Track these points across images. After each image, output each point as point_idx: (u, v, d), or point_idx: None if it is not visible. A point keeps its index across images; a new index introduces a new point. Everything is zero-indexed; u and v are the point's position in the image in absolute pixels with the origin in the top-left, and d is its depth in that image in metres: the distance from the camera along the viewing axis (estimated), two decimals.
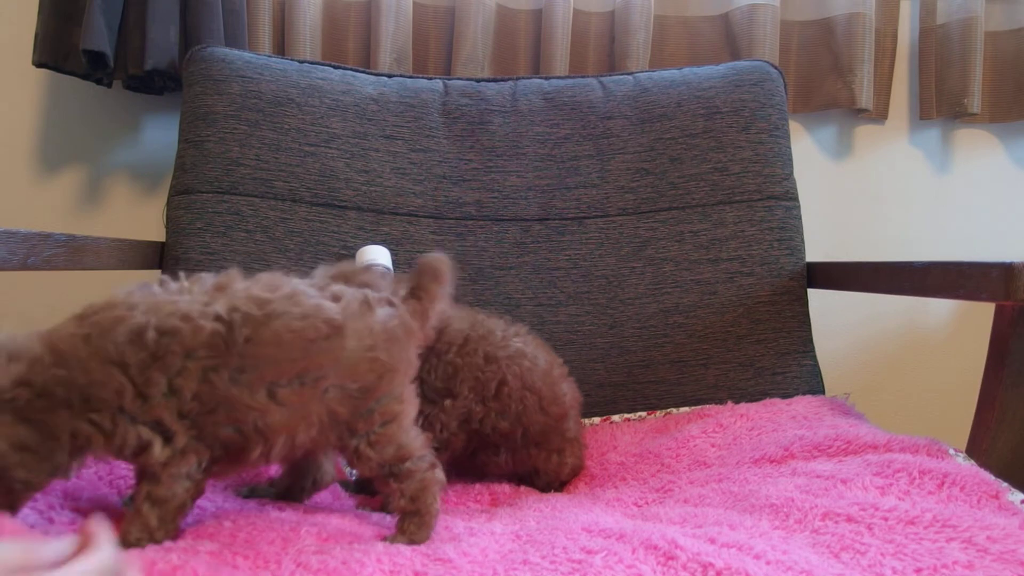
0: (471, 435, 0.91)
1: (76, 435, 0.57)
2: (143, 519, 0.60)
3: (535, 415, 0.92)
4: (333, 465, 0.79)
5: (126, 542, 0.59)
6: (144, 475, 0.61)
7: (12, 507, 0.58)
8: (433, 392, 0.88)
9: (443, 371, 0.88)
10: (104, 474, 0.75)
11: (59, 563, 0.42)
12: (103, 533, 0.43)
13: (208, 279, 0.64)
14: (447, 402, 0.88)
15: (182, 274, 0.65)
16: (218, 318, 0.60)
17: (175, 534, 0.62)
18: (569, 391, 0.97)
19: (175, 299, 0.61)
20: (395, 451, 0.66)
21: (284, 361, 0.61)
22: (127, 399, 0.58)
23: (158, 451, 0.59)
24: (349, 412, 0.64)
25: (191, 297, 0.62)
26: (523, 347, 0.93)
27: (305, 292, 0.64)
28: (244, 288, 0.63)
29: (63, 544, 0.43)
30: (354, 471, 0.90)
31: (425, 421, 0.86)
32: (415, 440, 0.67)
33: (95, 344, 0.59)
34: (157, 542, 0.60)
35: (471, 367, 0.89)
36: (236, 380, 0.60)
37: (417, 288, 0.72)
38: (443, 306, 0.73)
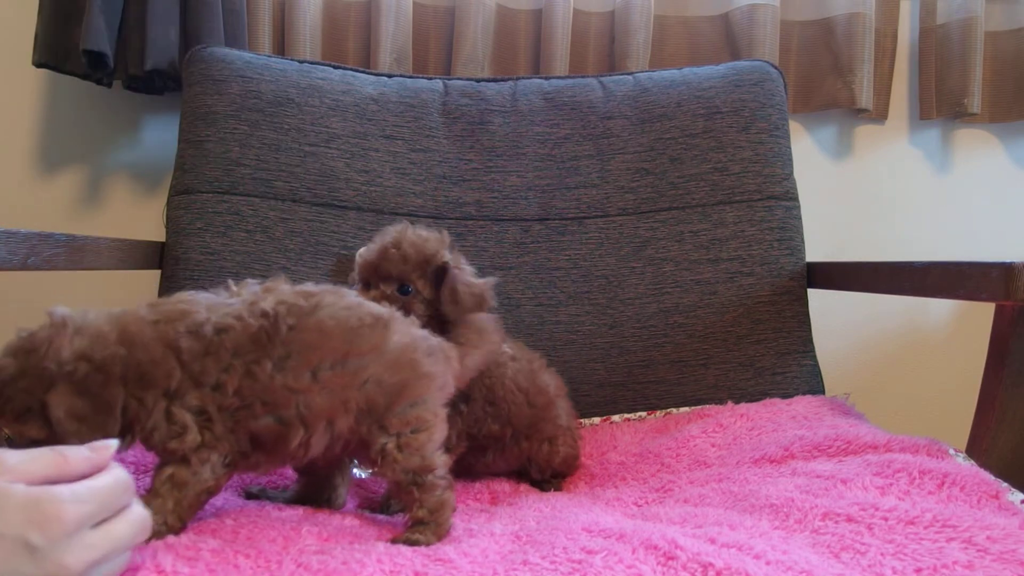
0: (468, 439, 0.92)
1: (125, 410, 0.60)
2: (160, 500, 0.62)
3: (522, 410, 0.94)
4: (347, 489, 0.79)
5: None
6: (170, 459, 0.63)
7: None
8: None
9: None
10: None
11: (84, 475, 0.48)
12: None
13: (255, 284, 0.69)
14: (463, 407, 0.90)
15: (230, 281, 0.70)
16: (264, 314, 0.65)
17: (183, 525, 0.63)
18: (552, 380, 0.99)
19: (230, 301, 0.67)
20: (420, 461, 0.68)
21: (327, 346, 0.65)
22: (174, 382, 0.62)
23: (192, 436, 0.62)
24: (385, 406, 0.67)
25: (241, 299, 0.67)
26: (507, 349, 0.95)
27: (350, 293, 0.71)
28: (291, 287, 0.69)
29: (85, 453, 0.49)
30: (362, 472, 0.90)
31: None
32: (439, 457, 0.69)
33: (160, 329, 0.63)
34: (168, 526, 0.61)
35: (480, 373, 0.91)
36: (280, 367, 0.64)
37: (460, 337, 0.80)
38: (479, 361, 0.80)
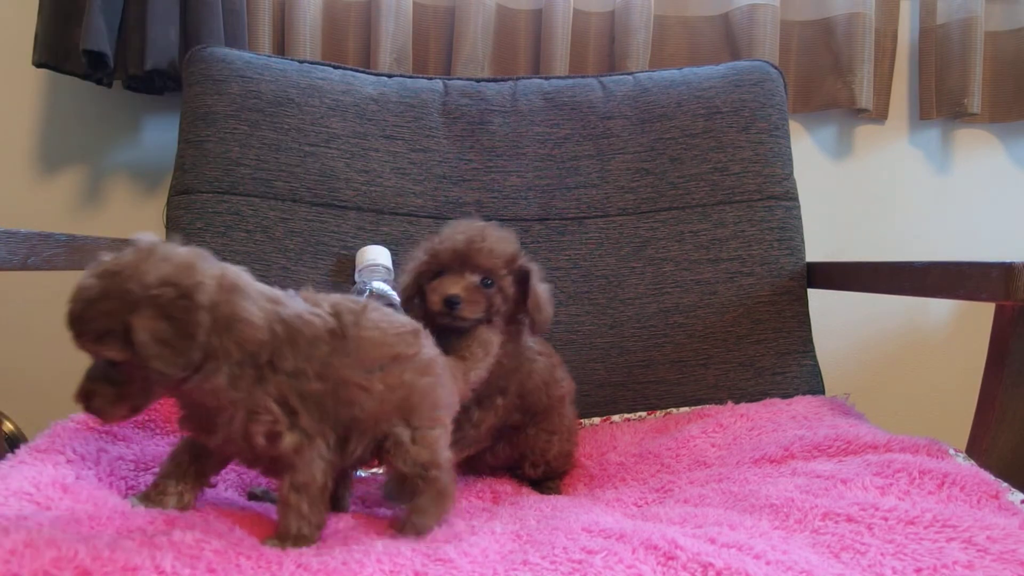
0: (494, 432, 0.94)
1: (207, 345, 0.60)
2: (295, 509, 0.64)
3: (541, 400, 0.96)
4: (351, 493, 0.80)
5: (288, 535, 0.64)
6: (281, 468, 0.65)
7: (139, 406, 0.63)
8: (486, 389, 0.88)
9: (497, 369, 0.88)
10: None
11: None
12: None
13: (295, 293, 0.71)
14: (499, 400, 0.91)
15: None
16: (333, 313, 0.68)
17: (325, 516, 0.66)
18: (565, 377, 1.01)
19: (294, 302, 0.68)
20: (429, 456, 0.71)
21: (379, 348, 0.70)
22: (257, 348, 0.62)
23: (288, 441, 0.63)
24: (412, 408, 0.71)
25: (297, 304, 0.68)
26: (533, 344, 0.97)
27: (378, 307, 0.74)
28: (328, 298, 0.71)
29: None
30: (362, 472, 0.90)
31: (468, 419, 0.89)
32: (445, 454, 0.73)
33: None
34: (314, 527, 0.65)
35: (515, 368, 0.93)
36: (349, 364, 0.67)
37: (464, 350, 0.83)
38: (482, 375, 0.83)
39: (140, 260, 0.60)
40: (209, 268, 0.62)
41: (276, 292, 0.67)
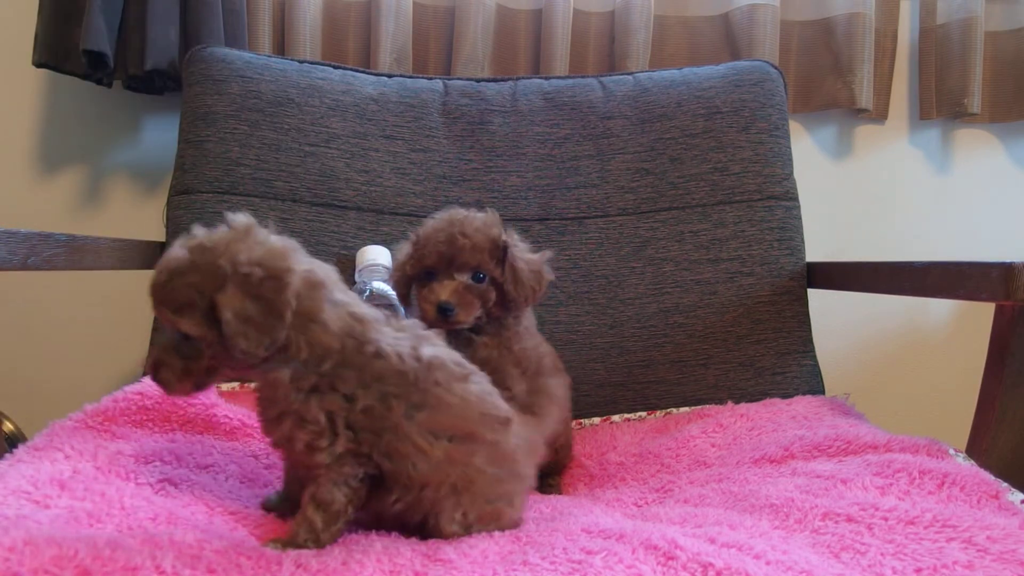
0: None
1: (284, 341, 0.60)
2: (309, 522, 0.63)
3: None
4: None
5: (294, 543, 0.63)
6: (309, 479, 0.65)
7: (203, 384, 0.64)
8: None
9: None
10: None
11: None
12: None
13: (418, 327, 0.70)
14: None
15: (400, 310, 0.74)
16: (419, 359, 0.65)
17: (338, 537, 0.64)
18: (563, 368, 1.00)
19: (397, 335, 0.67)
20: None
21: (459, 419, 0.66)
22: (323, 356, 0.62)
23: (321, 457, 0.63)
24: (475, 494, 0.67)
25: (405, 335, 0.67)
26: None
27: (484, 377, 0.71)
28: (448, 349, 0.69)
29: None
30: None
31: None
32: None
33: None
34: (321, 545, 0.63)
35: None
36: (410, 415, 0.64)
37: (535, 406, 0.83)
38: (552, 425, 0.85)
39: (233, 239, 0.61)
40: (300, 260, 0.63)
41: (365, 310, 0.66)
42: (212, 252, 0.60)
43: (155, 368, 0.62)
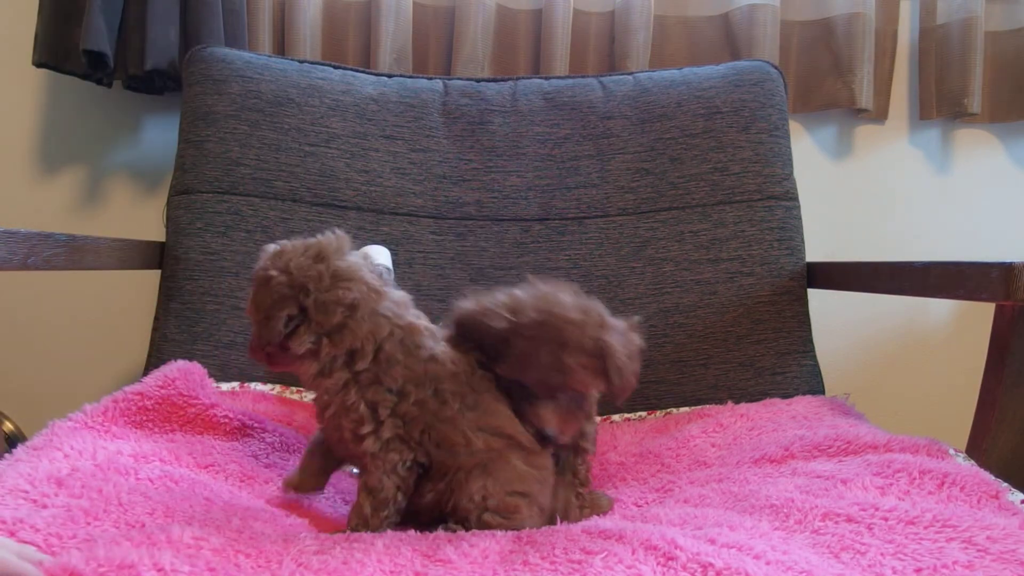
0: None
1: (302, 318, 0.70)
2: (359, 508, 0.70)
3: None
4: None
5: (350, 527, 0.70)
6: (361, 468, 0.72)
7: (277, 360, 0.72)
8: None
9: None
10: None
11: None
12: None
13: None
14: None
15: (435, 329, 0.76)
16: (468, 363, 0.73)
17: (390, 524, 0.70)
18: None
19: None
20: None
21: (504, 423, 0.72)
22: (358, 348, 0.70)
23: (368, 444, 0.69)
24: (503, 477, 0.72)
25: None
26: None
27: None
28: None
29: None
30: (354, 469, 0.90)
31: None
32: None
33: (383, 318, 0.72)
34: (372, 530, 0.68)
35: None
36: (463, 412, 0.71)
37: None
38: None
39: (289, 249, 0.71)
40: (368, 274, 0.72)
41: (420, 321, 0.74)
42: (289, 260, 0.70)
43: (253, 351, 0.73)
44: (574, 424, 0.76)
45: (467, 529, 0.69)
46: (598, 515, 0.77)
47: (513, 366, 0.72)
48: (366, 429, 0.69)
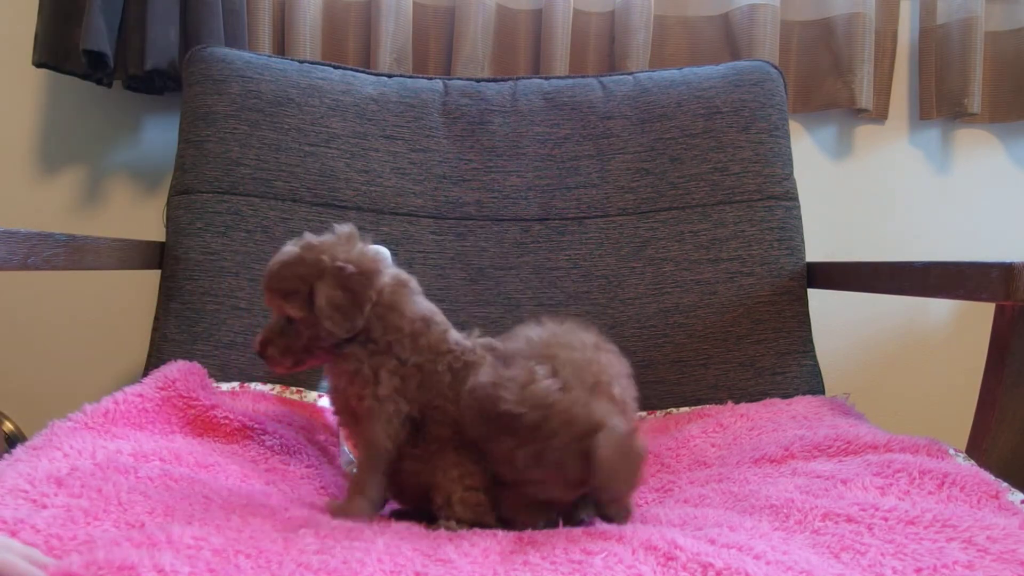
0: None
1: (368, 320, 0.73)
2: (359, 473, 0.73)
3: None
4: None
5: (348, 495, 0.73)
6: (356, 423, 0.74)
7: (301, 361, 0.75)
8: None
9: None
10: None
11: None
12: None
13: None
14: None
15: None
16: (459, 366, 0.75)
17: (383, 487, 0.72)
18: None
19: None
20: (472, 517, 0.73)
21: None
22: (396, 346, 0.73)
23: (370, 399, 0.71)
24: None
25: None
26: None
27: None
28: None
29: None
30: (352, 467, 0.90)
31: None
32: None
33: (422, 326, 0.75)
34: (367, 500, 0.71)
35: None
36: (454, 385, 0.73)
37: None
38: None
39: (336, 242, 0.74)
40: (388, 266, 0.76)
41: (439, 316, 0.76)
42: (316, 249, 0.72)
43: (262, 345, 0.75)
44: (535, 517, 0.70)
45: (454, 514, 0.70)
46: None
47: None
48: (368, 390, 0.72)
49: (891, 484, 0.75)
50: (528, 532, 0.68)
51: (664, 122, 1.27)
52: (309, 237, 0.74)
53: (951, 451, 0.84)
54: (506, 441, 0.66)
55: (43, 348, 1.47)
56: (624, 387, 0.71)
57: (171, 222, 1.21)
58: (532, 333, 0.71)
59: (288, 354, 0.74)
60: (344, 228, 0.75)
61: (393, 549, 0.61)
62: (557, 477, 0.66)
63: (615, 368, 0.71)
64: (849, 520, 0.67)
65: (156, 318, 1.18)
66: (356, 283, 0.72)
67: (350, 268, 0.72)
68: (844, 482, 0.76)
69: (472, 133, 1.27)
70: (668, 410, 1.16)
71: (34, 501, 0.63)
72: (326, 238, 0.74)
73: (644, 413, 1.16)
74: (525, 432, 0.65)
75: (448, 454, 0.72)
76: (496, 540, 0.66)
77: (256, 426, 0.91)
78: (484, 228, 1.24)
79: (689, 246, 1.23)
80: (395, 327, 0.73)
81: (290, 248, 0.74)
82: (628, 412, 0.70)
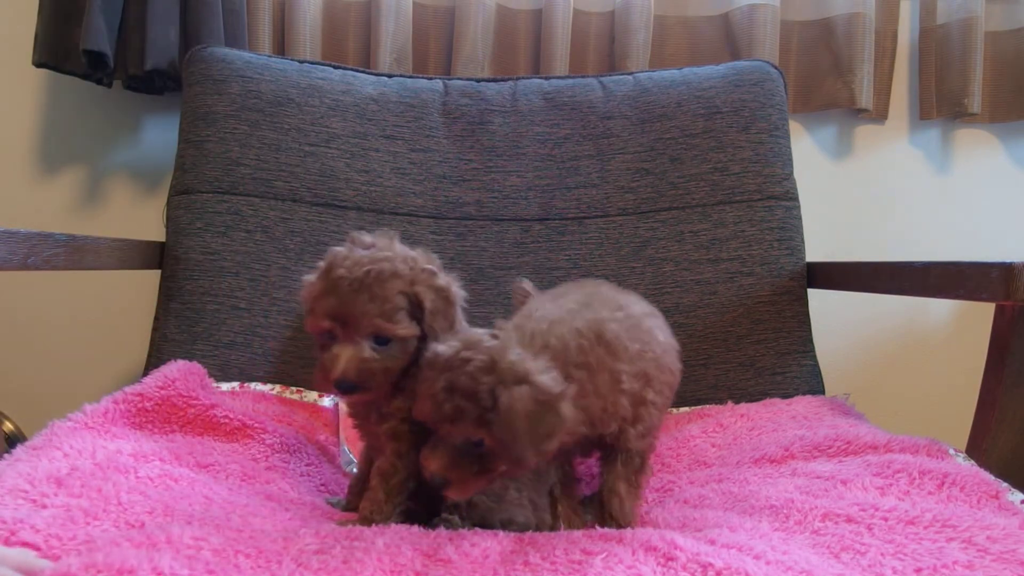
0: None
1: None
2: (374, 493, 0.71)
3: None
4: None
5: (363, 519, 0.70)
6: (376, 453, 0.74)
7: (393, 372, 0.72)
8: None
9: None
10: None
11: None
12: None
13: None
14: None
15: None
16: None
17: (400, 507, 0.71)
18: None
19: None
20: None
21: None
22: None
23: (393, 421, 0.70)
24: None
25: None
26: None
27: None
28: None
29: None
30: (352, 466, 0.90)
31: None
32: None
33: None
34: (385, 516, 0.70)
35: None
36: None
37: None
38: None
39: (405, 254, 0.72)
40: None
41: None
42: (404, 262, 0.70)
43: (358, 376, 0.69)
44: (466, 481, 0.66)
45: (460, 515, 0.70)
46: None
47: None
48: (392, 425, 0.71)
49: (891, 484, 0.75)
50: (528, 533, 0.68)
51: (664, 122, 1.27)
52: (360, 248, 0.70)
53: (951, 451, 0.84)
54: (431, 374, 0.65)
55: (43, 348, 1.47)
56: (638, 375, 0.71)
57: (171, 222, 1.21)
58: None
59: (386, 377, 0.71)
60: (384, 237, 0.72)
61: (393, 549, 0.61)
62: (466, 412, 0.63)
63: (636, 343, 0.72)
64: (849, 520, 0.67)
65: (156, 318, 1.18)
66: (445, 291, 0.72)
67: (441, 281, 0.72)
68: (844, 482, 0.76)
69: (472, 133, 1.27)
70: (668, 410, 1.16)
71: (34, 501, 0.63)
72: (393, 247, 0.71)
73: None
74: (449, 365, 0.65)
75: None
76: (496, 541, 0.66)
77: (256, 425, 0.91)
78: (484, 228, 1.24)
79: (689, 246, 1.23)
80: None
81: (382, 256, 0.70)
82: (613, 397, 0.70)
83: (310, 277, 0.74)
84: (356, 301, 0.68)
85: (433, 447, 0.66)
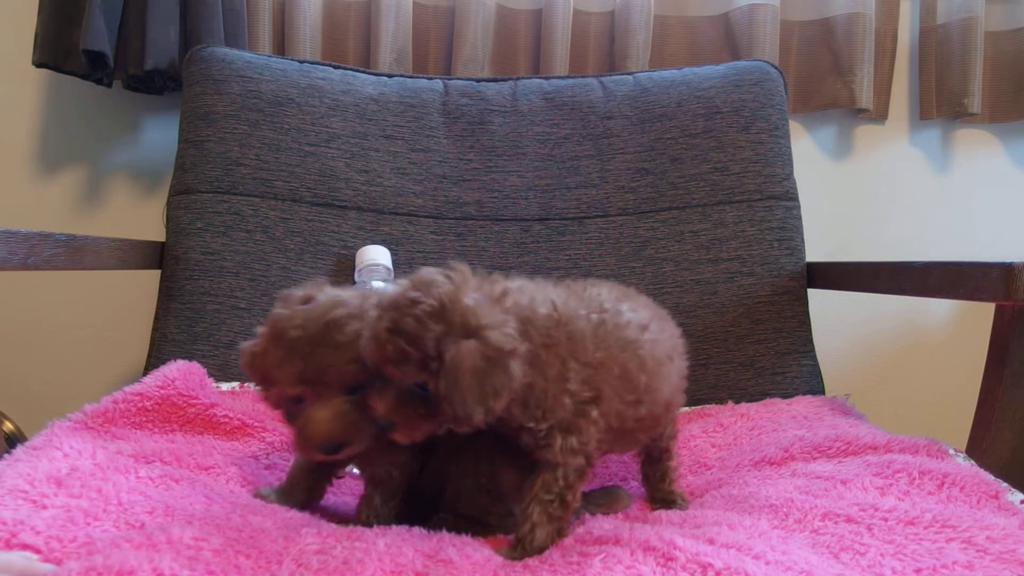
0: None
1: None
2: (369, 499, 0.71)
3: None
4: None
5: (360, 520, 0.70)
6: (366, 464, 0.72)
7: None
8: None
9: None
10: None
11: None
12: None
13: None
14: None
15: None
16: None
17: (394, 511, 0.71)
18: None
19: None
20: None
21: None
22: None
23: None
24: None
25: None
26: None
27: None
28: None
29: None
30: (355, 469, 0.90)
31: None
32: None
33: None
34: (384, 520, 0.69)
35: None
36: None
37: None
38: None
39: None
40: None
41: None
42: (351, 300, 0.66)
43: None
44: (413, 423, 0.63)
45: (457, 509, 0.70)
46: (612, 512, 0.77)
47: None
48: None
49: (891, 484, 0.75)
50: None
51: (664, 122, 1.27)
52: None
53: (951, 451, 0.84)
54: (378, 312, 0.61)
55: (43, 348, 1.47)
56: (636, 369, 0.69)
57: (171, 222, 1.21)
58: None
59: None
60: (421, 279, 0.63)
61: (394, 550, 0.61)
62: (409, 356, 0.60)
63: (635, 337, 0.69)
64: (849, 520, 0.67)
65: (156, 318, 1.18)
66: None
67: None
68: (844, 482, 0.76)
69: (472, 133, 1.27)
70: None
71: (34, 501, 0.63)
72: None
73: None
74: (395, 304, 0.61)
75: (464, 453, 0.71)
76: (497, 542, 0.66)
77: (256, 424, 0.91)
78: (484, 228, 1.24)
79: (689, 246, 1.23)
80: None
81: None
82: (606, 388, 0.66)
83: (250, 347, 0.69)
84: (322, 356, 0.64)
85: (380, 390, 0.62)
